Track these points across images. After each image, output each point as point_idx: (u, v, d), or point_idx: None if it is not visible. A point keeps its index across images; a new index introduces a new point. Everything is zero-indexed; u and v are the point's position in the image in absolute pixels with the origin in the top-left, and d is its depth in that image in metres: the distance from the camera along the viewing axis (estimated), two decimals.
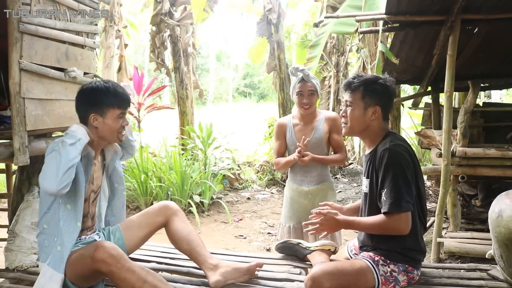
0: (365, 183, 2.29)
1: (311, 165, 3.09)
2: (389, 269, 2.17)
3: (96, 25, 3.57)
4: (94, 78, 3.48)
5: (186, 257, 2.54)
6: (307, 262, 2.63)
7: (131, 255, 2.76)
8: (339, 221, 2.21)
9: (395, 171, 2.07)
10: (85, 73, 3.37)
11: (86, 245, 2.23)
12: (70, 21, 3.21)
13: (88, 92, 2.31)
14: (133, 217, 2.60)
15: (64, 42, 3.13)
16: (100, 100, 2.28)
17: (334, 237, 3.06)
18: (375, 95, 2.20)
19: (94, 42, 3.52)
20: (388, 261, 2.18)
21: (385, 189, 2.10)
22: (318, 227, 2.23)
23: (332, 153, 3.26)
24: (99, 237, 2.45)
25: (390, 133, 2.24)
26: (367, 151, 2.30)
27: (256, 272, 2.44)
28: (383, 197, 2.10)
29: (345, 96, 2.28)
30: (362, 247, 2.35)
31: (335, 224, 2.22)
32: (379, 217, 2.13)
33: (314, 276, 2.07)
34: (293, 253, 2.73)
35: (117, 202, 2.63)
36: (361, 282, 2.14)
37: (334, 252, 2.64)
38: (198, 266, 2.50)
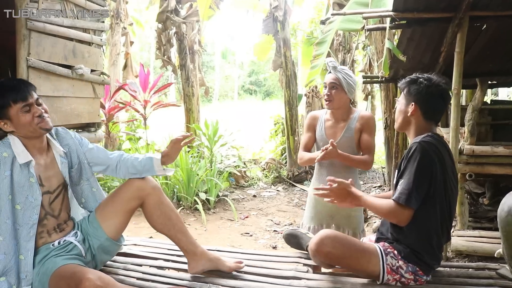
0: (396, 174, 2.31)
1: (338, 166, 2.94)
2: (397, 264, 2.19)
3: (103, 22, 3.58)
4: (101, 75, 3.49)
5: None
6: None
7: (139, 253, 2.78)
8: (350, 192, 2.23)
9: (415, 166, 2.10)
10: (92, 70, 3.38)
11: (70, 272, 2.11)
12: (77, 19, 3.22)
13: None
14: (107, 202, 2.49)
15: (71, 39, 3.14)
16: None
17: (355, 235, 2.98)
18: (414, 93, 2.27)
19: (101, 39, 3.52)
20: (400, 257, 2.19)
21: (402, 179, 2.14)
22: (328, 193, 2.25)
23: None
24: (76, 237, 2.38)
25: (433, 133, 2.25)
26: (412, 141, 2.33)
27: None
28: (398, 186, 2.15)
29: None
30: (380, 239, 2.36)
31: (345, 194, 2.24)
32: (387, 202, 2.17)
33: (322, 235, 2.19)
34: (298, 241, 2.74)
35: (82, 188, 2.53)
36: (364, 260, 2.19)
37: None
38: None
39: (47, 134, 2.33)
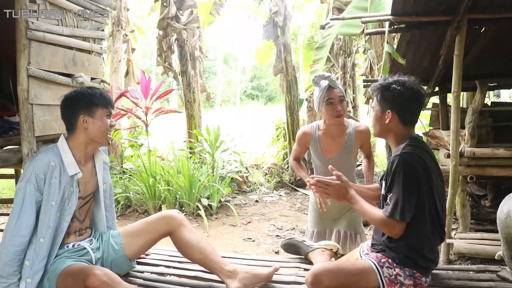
0: (383, 186, 2.29)
1: (337, 168, 2.78)
2: (394, 272, 2.17)
3: (103, 30, 3.60)
4: (102, 84, 3.51)
5: None
6: (308, 260, 2.68)
7: (141, 260, 2.79)
8: (349, 193, 2.25)
9: (401, 179, 2.07)
10: (92, 79, 3.39)
11: (77, 269, 2.19)
12: (77, 27, 3.24)
13: (76, 96, 2.36)
14: (136, 224, 2.61)
15: (71, 48, 3.16)
16: (89, 101, 2.32)
17: (356, 235, 3.03)
18: (389, 99, 2.22)
19: (101, 47, 3.54)
20: (395, 264, 2.17)
21: (391, 194, 2.12)
22: (328, 189, 2.26)
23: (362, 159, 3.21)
24: (91, 244, 2.45)
25: (411, 139, 2.22)
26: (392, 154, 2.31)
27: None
28: (388, 201, 2.13)
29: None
30: (374, 245, 2.35)
31: (343, 194, 2.26)
32: (379, 214, 2.15)
33: (315, 272, 2.13)
34: (296, 250, 2.78)
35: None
36: (362, 282, 2.16)
37: (336, 254, 2.66)
38: (206, 270, 2.51)
39: None
